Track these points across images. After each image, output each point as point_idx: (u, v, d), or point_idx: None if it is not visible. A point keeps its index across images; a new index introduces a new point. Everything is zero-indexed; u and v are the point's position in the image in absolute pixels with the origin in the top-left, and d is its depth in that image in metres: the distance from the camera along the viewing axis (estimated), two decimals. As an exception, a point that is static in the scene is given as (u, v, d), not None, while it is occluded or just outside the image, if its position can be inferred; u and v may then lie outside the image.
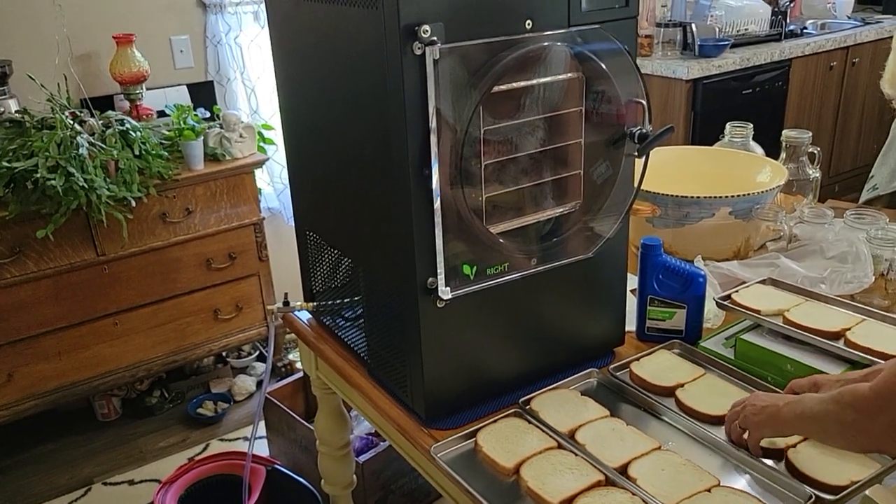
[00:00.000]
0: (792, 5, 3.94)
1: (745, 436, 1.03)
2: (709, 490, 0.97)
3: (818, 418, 0.91)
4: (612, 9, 1.09)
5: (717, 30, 3.55)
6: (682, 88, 3.28)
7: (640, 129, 1.12)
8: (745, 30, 3.65)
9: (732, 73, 3.38)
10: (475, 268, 1.08)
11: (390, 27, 0.94)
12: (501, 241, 1.09)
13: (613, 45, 1.09)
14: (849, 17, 4.23)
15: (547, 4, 1.03)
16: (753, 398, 1.03)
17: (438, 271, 1.05)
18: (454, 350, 1.13)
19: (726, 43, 3.43)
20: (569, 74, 1.08)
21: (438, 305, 1.07)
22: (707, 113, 3.32)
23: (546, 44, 1.04)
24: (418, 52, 0.94)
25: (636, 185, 1.19)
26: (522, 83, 1.04)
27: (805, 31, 3.88)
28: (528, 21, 1.02)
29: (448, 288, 1.06)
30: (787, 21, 3.80)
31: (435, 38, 0.94)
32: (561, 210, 1.15)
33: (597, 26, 1.07)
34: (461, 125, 1.00)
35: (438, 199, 1.01)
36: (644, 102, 1.12)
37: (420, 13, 0.94)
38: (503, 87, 1.02)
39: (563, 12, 1.05)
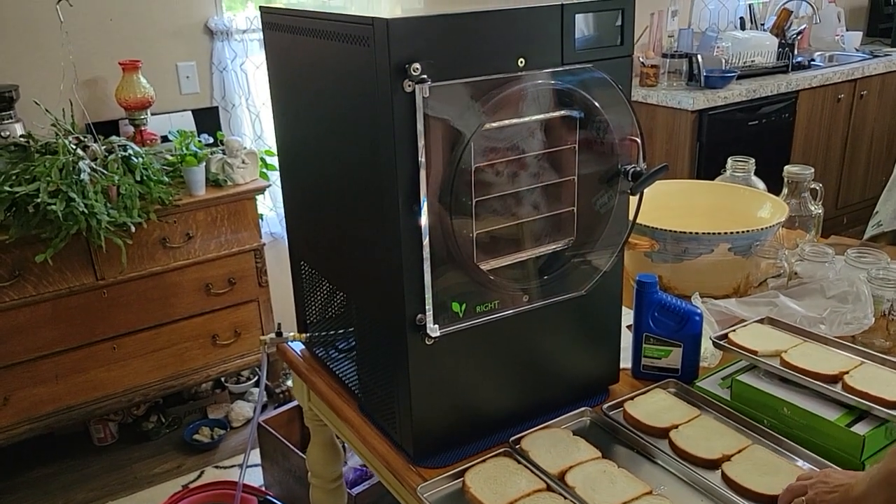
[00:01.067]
0: (800, 38, 3.94)
1: None
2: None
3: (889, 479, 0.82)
4: (606, 47, 1.09)
5: (724, 61, 3.55)
6: (687, 119, 3.28)
7: (634, 166, 1.11)
8: (752, 61, 3.65)
9: (738, 104, 3.38)
10: (464, 305, 1.07)
11: (381, 64, 0.94)
12: (492, 277, 1.08)
13: (607, 83, 1.08)
14: (857, 50, 4.24)
15: (540, 43, 1.03)
16: (824, 476, 0.95)
17: (427, 308, 1.03)
18: (444, 387, 1.12)
19: (732, 74, 3.43)
20: (561, 112, 1.07)
21: (427, 342, 1.06)
22: (712, 144, 3.31)
23: (539, 82, 1.03)
24: (408, 90, 0.94)
25: (630, 220, 1.18)
26: (514, 121, 1.03)
27: (813, 63, 3.88)
28: (521, 59, 1.01)
29: (437, 325, 1.05)
30: (795, 53, 3.80)
31: (425, 76, 0.93)
32: (553, 247, 1.14)
33: (590, 65, 1.07)
34: (451, 162, 0.99)
35: (427, 235, 1.00)
36: (638, 140, 1.11)
37: (411, 51, 0.93)
38: (494, 125, 1.01)
39: (557, 51, 1.04)
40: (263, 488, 2.25)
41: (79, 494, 2.42)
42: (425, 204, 0.99)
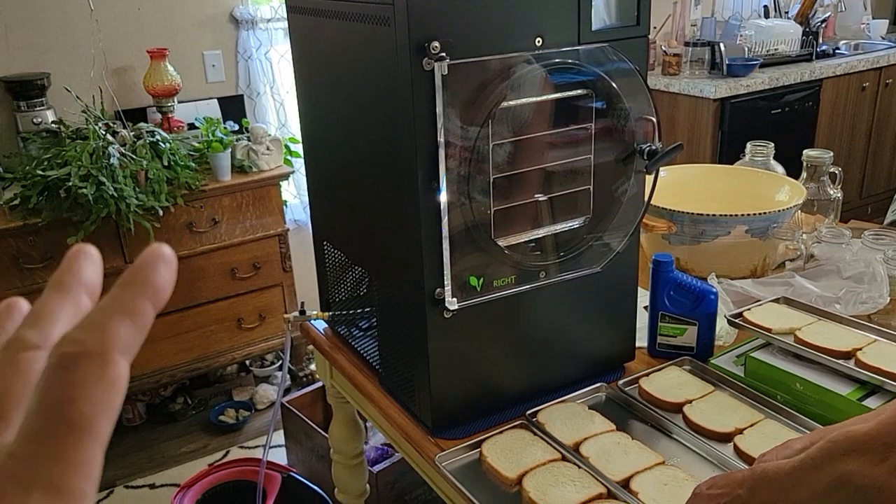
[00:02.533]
0: (824, 26, 3.91)
1: None
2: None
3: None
4: (623, 27, 1.11)
5: (747, 49, 3.54)
6: (709, 107, 3.27)
7: (650, 145, 1.13)
8: (775, 50, 3.63)
9: (761, 92, 3.37)
10: (482, 280, 1.10)
11: (401, 43, 0.97)
12: (509, 253, 1.10)
13: (624, 62, 1.10)
14: (883, 38, 4.19)
15: (557, 22, 1.05)
16: (704, 484, 0.76)
17: (445, 283, 1.06)
18: (461, 361, 1.15)
19: (755, 62, 3.42)
20: (578, 91, 1.09)
21: (445, 316, 1.09)
22: (735, 133, 3.31)
23: (556, 61, 1.05)
24: (428, 68, 0.96)
25: (646, 200, 1.20)
26: (531, 99, 1.06)
27: (837, 51, 3.85)
28: (539, 38, 1.04)
29: (455, 299, 1.08)
30: (819, 41, 3.77)
31: (444, 54, 0.96)
32: (570, 225, 1.16)
33: (607, 44, 1.09)
34: (470, 140, 1.02)
35: (446, 211, 1.03)
36: (654, 119, 1.13)
37: (430, 29, 0.96)
38: (512, 103, 1.03)
39: (574, 30, 1.07)
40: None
41: (108, 472, 2.49)
42: (444, 181, 1.02)
